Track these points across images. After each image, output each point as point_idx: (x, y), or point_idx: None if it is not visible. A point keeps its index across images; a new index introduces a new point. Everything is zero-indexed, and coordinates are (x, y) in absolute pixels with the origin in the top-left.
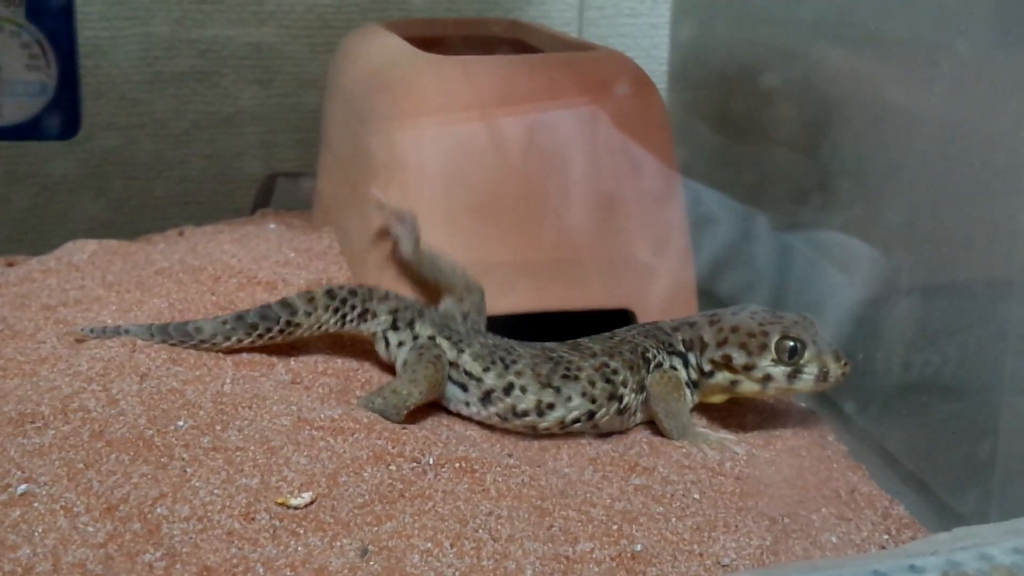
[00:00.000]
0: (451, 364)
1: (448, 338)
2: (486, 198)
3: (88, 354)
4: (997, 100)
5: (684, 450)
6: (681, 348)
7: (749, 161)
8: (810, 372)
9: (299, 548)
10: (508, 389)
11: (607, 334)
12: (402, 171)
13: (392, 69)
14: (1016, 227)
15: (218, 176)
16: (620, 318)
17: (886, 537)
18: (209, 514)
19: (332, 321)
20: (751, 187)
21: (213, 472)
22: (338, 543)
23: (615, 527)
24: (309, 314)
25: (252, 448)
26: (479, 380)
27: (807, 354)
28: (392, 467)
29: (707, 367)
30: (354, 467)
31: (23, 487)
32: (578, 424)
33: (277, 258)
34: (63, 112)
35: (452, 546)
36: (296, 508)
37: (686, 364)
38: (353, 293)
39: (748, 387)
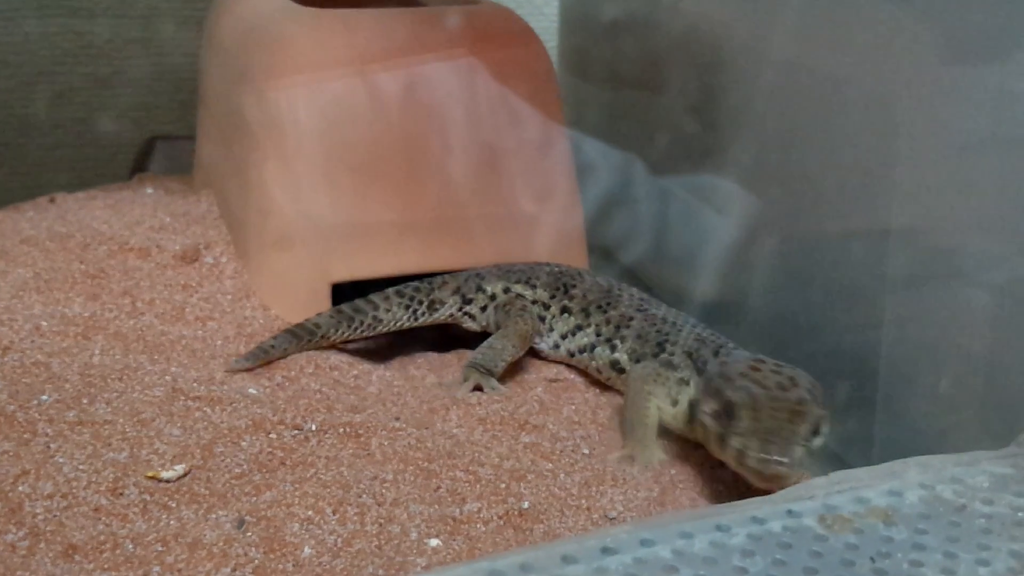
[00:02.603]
0: (533, 302)
1: (519, 281)
2: (367, 156)
3: None
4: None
5: (574, 406)
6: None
7: (634, 111)
8: (733, 445)
9: (171, 522)
10: (563, 311)
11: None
12: (279, 131)
13: (269, 24)
14: (870, 164)
15: (94, 141)
16: None
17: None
18: (74, 491)
19: (405, 317)
20: (636, 137)
21: (79, 447)
22: (213, 515)
23: (503, 486)
24: (388, 311)
25: (121, 421)
26: (547, 307)
27: (740, 426)
28: (272, 435)
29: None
30: (231, 437)
31: None
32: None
33: (151, 223)
34: None
35: (334, 513)
36: (168, 481)
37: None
38: (417, 289)
39: (702, 433)
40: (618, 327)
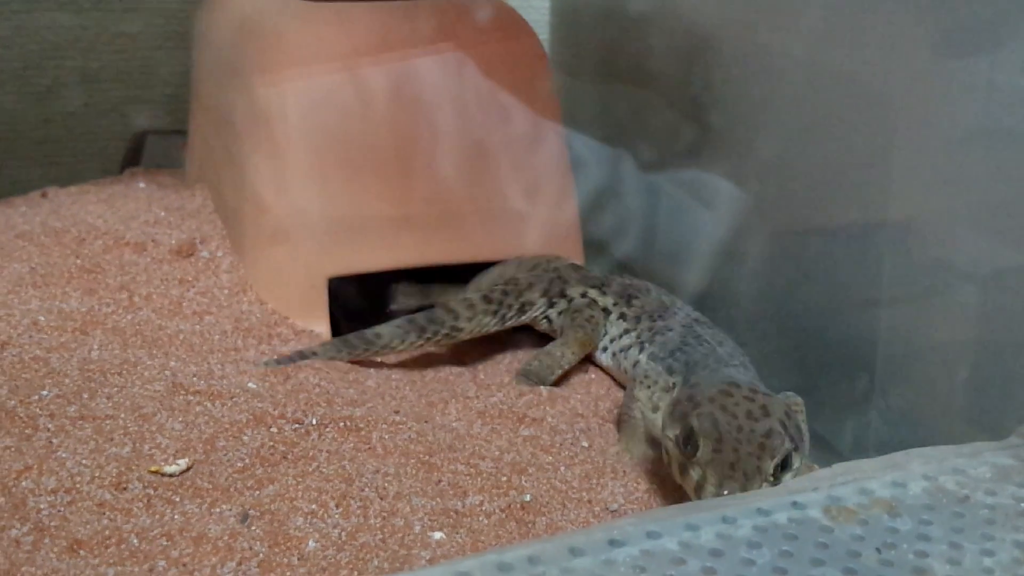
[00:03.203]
0: (603, 310)
1: (594, 286)
2: (363, 151)
3: None
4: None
5: (577, 398)
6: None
7: (626, 105)
8: (692, 476)
9: (175, 516)
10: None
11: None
12: (273, 125)
13: (263, 17)
14: (864, 157)
15: (84, 135)
16: None
17: None
18: (78, 485)
19: (493, 323)
20: (628, 131)
21: (81, 442)
22: (217, 509)
23: (504, 479)
24: (470, 319)
25: (123, 416)
26: (608, 312)
27: (700, 456)
28: (273, 429)
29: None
30: (233, 431)
31: None
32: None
33: (146, 218)
34: None
35: (338, 506)
36: (171, 476)
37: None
38: (505, 293)
39: (666, 456)
40: (655, 334)
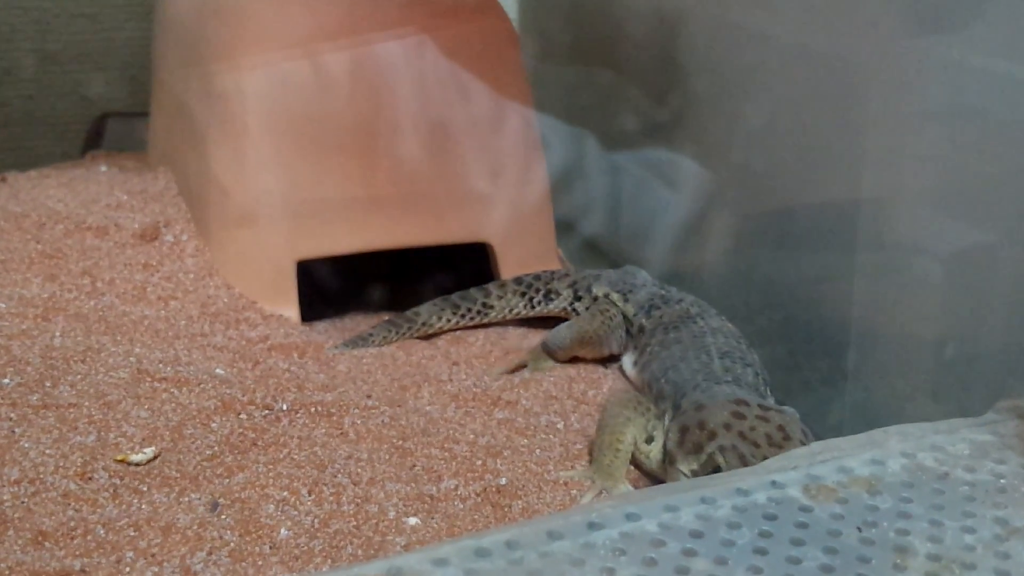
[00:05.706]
0: (625, 317)
1: (620, 291)
2: (332, 133)
3: None
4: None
5: (551, 379)
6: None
7: (595, 85)
8: None
9: (143, 506)
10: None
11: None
12: (241, 106)
13: None
14: (856, 142)
15: (44, 119)
16: (477, 252)
17: None
18: (41, 476)
19: (521, 305)
20: (597, 112)
21: (44, 431)
22: (186, 498)
23: (479, 463)
24: (500, 297)
25: (87, 404)
26: (632, 323)
27: None
28: (243, 416)
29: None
30: (201, 418)
31: None
32: None
33: (108, 201)
34: None
35: (310, 493)
36: (138, 464)
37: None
38: (537, 278)
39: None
40: (663, 348)
